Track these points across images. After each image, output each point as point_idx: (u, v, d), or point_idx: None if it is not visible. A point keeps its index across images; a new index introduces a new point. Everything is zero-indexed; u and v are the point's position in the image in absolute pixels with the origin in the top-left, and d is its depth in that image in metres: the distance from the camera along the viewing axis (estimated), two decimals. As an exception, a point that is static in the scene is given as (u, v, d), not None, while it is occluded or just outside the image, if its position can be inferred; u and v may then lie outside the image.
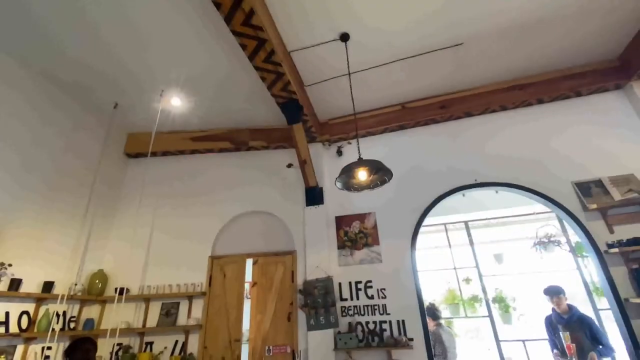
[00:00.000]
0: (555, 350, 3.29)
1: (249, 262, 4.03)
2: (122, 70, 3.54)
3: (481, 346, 4.87)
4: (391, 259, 3.71)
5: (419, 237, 3.81)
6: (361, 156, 2.48)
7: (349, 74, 3.20)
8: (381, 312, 3.48)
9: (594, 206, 3.26)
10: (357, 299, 3.60)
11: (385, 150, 4.25)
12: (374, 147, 4.24)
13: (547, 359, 4.26)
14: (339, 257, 3.86)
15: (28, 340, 3.13)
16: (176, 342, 3.65)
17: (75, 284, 3.70)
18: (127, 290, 3.85)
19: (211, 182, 4.51)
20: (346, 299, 3.64)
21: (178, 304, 3.83)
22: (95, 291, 3.79)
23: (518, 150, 3.84)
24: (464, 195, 4.46)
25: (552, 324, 3.38)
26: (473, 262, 4.91)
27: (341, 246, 3.90)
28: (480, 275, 4.79)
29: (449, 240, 5.21)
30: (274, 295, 3.78)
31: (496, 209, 5.22)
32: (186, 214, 4.35)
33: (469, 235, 5.13)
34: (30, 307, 3.25)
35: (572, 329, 3.13)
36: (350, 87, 3.18)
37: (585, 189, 3.43)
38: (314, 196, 4.07)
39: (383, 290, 3.58)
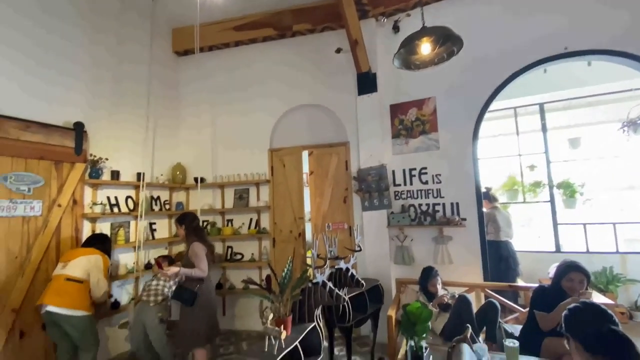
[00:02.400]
0: None
1: (305, 154, 4.22)
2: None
3: (532, 234, 4.92)
4: (449, 146, 3.56)
5: (483, 124, 3.52)
6: (425, 25, 2.12)
7: None
8: (435, 195, 3.57)
9: None
10: (411, 184, 3.68)
11: (454, 20, 3.53)
12: (439, 17, 3.56)
13: (606, 243, 4.24)
14: (393, 146, 3.81)
15: (137, 218, 3.92)
16: (251, 219, 4.29)
17: (161, 174, 4.33)
18: (203, 179, 4.41)
19: (259, 76, 4.42)
20: (399, 185, 3.75)
21: (248, 189, 4.34)
22: (178, 180, 4.42)
23: (630, 3, 2.96)
24: (545, 71, 3.81)
25: None
26: (542, 148, 4.53)
27: (396, 135, 3.81)
28: (547, 162, 4.48)
29: (517, 126, 4.75)
30: (330, 182, 4.03)
31: (582, 87, 4.45)
32: (240, 110, 4.46)
33: (543, 119, 4.60)
34: (131, 192, 3.95)
35: None
36: None
37: None
38: (366, 83, 3.81)
39: (438, 176, 3.58)
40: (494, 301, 2.57)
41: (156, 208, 4.22)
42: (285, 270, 2.09)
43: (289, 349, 1.80)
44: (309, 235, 4.22)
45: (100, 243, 2.94)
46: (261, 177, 4.25)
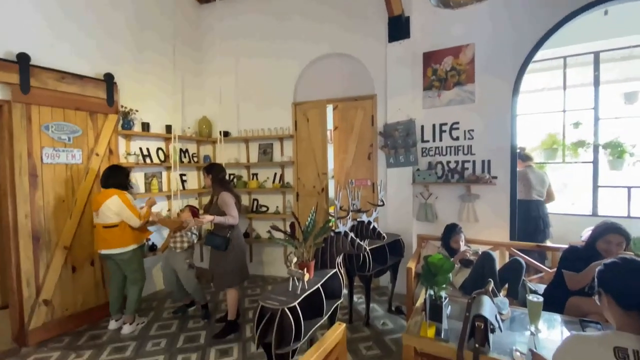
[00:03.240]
0: None
1: (329, 108, 4.10)
2: None
3: (565, 199, 4.64)
4: (486, 99, 3.31)
5: (525, 77, 3.20)
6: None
7: None
8: (465, 152, 3.41)
9: None
10: (440, 140, 3.52)
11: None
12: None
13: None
14: (424, 99, 3.60)
15: (168, 169, 4.09)
16: (275, 174, 4.36)
17: (189, 127, 4.42)
18: (228, 133, 4.46)
19: (283, 24, 4.20)
20: (427, 141, 3.60)
21: (272, 144, 4.37)
22: (204, 133, 4.50)
23: None
24: (606, 12, 3.33)
25: None
26: (591, 103, 4.11)
27: (428, 87, 3.57)
28: (596, 119, 4.08)
29: (565, 78, 4.29)
30: (355, 137, 3.94)
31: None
32: (264, 61, 4.34)
33: (596, 70, 4.11)
34: (161, 144, 4.09)
35: None
36: None
37: None
38: (398, 28, 3.52)
39: (470, 132, 3.38)
40: (519, 259, 2.53)
41: (185, 160, 4.38)
42: (309, 219, 2.14)
43: (311, 289, 1.89)
44: (331, 192, 4.26)
45: (114, 178, 2.91)
46: (285, 132, 4.23)
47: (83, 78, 3.19)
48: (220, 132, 4.35)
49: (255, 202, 4.47)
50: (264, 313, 1.71)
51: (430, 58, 3.53)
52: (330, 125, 4.14)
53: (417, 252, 3.09)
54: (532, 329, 1.73)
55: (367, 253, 2.59)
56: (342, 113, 4.02)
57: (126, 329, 2.96)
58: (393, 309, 3.20)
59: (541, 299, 1.78)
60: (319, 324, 1.95)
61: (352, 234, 2.25)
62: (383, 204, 3.06)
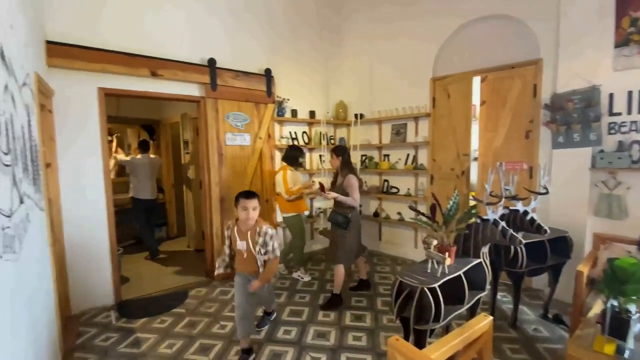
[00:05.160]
0: None
1: (476, 80, 3.63)
2: None
3: None
4: None
5: None
6: None
7: None
8: (686, 127, 2.43)
9: None
10: (639, 112, 2.63)
11: None
12: None
13: None
14: (616, 58, 2.72)
15: (310, 150, 4.58)
16: (407, 155, 4.26)
17: (328, 112, 4.79)
18: (362, 115, 4.59)
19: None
20: (619, 114, 2.73)
21: (405, 124, 4.26)
22: (340, 117, 4.78)
23: None
24: None
25: None
26: None
27: (622, 43, 2.68)
28: None
29: None
30: (508, 112, 3.39)
31: None
32: (402, 39, 4.19)
33: None
34: (305, 128, 4.59)
35: None
36: None
37: None
38: (581, -31, 2.74)
39: (700, 98, 2.38)
40: None
41: (324, 142, 4.79)
42: (452, 202, 2.02)
43: (452, 275, 1.81)
44: (473, 175, 3.83)
45: (286, 156, 3.67)
46: (421, 110, 4.03)
47: (249, 74, 3.88)
48: (356, 114, 4.52)
49: (386, 183, 4.51)
50: (402, 288, 1.76)
51: (627, 3, 2.60)
52: (476, 100, 3.69)
53: (593, 254, 2.47)
54: None
55: (521, 247, 2.26)
56: (493, 85, 3.50)
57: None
58: (550, 316, 2.71)
59: None
60: (458, 312, 1.86)
61: (503, 223, 2.00)
62: (547, 192, 2.56)
